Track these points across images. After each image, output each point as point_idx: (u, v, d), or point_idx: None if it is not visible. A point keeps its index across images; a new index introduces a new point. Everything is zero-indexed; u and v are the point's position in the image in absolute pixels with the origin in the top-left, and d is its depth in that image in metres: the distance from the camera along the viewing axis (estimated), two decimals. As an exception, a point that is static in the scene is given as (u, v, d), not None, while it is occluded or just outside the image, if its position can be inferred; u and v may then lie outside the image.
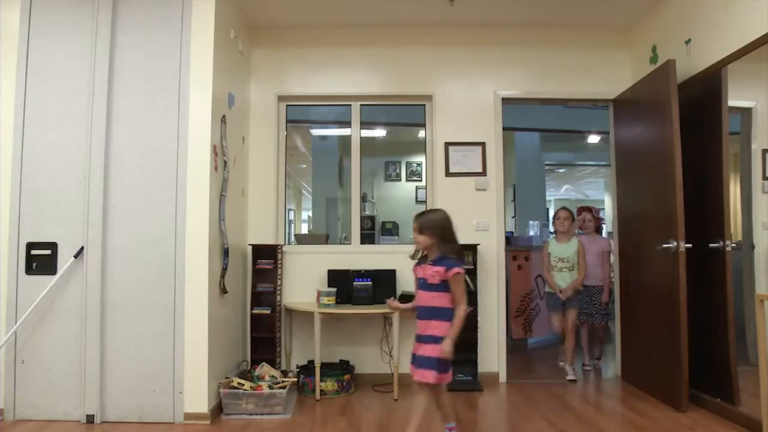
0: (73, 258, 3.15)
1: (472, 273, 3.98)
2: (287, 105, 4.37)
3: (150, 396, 3.12)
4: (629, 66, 4.27)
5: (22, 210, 3.20)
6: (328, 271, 4.03)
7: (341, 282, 3.93)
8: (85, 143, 3.20)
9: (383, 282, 3.95)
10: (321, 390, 3.66)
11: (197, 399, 3.12)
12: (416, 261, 2.67)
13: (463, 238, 3.97)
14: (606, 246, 4.58)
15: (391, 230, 6.80)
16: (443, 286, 2.51)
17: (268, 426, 3.05)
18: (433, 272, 2.51)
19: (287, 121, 4.41)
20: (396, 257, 4.14)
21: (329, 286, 3.94)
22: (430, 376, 2.46)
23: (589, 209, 4.78)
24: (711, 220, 3.23)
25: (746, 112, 3.24)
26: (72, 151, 3.21)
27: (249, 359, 3.91)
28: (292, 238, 5.24)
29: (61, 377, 3.13)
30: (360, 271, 3.97)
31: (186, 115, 3.23)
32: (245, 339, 3.96)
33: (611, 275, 4.52)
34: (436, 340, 2.47)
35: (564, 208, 4.47)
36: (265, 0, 3.85)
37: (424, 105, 4.35)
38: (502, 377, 4.08)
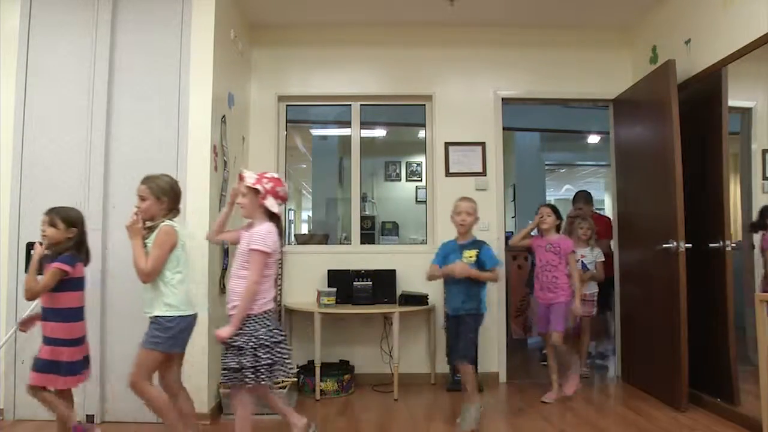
0: (73, 258, 3.14)
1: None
2: (287, 105, 4.37)
3: (150, 396, 3.12)
4: (629, 66, 4.27)
5: (22, 210, 3.20)
6: (328, 271, 4.03)
7: (341, 282, 3.93)
8: (85, 143, 3.20)
9: (383, 282, 3.95)
10: (321, 390, 3.65)
11: (197, 399, 3.09)
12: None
13: (463, 238, 4.03)
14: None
15: (391, 230, 6.79)
16: None
17: (268, 426, 3.04)
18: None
19: (287, 121, 4.41)
20: (396, 257, 4.15)
21: (329, 286, 3.94)
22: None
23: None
24: (711, 220, 3.23)
25: (746, 112, 3.24)
26: (72, 151, 3.21)
27: (249, 359, 3.90)
28: (292, 238, 5.23)
29: (61, 377, 3.12)
30: (360, 271, 3.97)
31: (186, 115, 3.23)
32: (245, 339, 3.95)
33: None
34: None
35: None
36: (265, 0, 3.85)
37: (424, 105, 4.35)
38: (502, 377, 4.08)
